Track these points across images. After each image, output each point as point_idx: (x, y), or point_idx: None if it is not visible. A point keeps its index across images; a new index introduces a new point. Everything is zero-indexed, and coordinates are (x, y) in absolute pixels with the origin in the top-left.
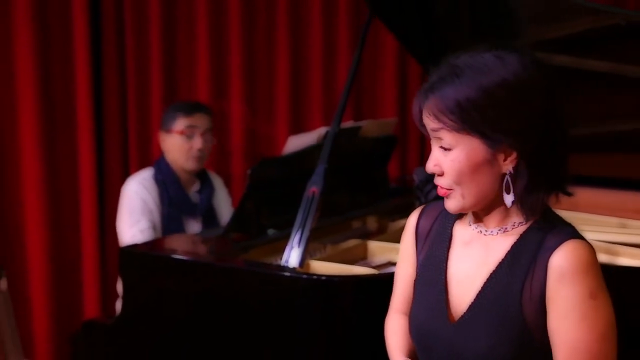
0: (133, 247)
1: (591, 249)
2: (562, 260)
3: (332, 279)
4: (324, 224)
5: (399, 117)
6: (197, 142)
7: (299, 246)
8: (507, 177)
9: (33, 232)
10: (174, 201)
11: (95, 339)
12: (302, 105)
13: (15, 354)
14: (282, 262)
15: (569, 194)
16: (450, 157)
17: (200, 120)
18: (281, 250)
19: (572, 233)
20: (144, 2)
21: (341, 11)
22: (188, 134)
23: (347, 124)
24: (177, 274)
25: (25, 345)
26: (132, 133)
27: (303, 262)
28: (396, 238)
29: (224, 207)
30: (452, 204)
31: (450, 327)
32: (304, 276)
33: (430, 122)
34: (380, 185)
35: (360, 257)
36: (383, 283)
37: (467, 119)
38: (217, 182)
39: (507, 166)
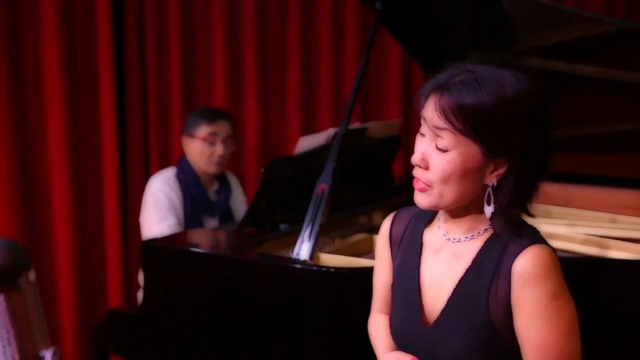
0: (153, 241)
1: (552, 253)
2: (524, 265)
3: (340, 271)
4: (332, 219)
5: (402, 119)
6: (219, 149)
7: (309, 240)
8: (489, 189)
9: (60, 227)
10: (195, 200)
11: (118, 328)
12: (312, 108)
13: (43, 342)
14: (294, 255)
15: (531, 214)
16: (446, 158)
17: (222, 128)
18: (293, 244)
19: (533, 238)
20: (163, 13)
21: (349, 20)
22: (210, 140)
23: (355, 125)
24: (195, 266)
25: (53, 333)
26: (152, 134)
27: (313, 255)
28: None
29: (240, 206)
30: (425, 200)
31: (425, 331)
32: (314, 268)
33: (436, 119)
34: (385, 183)
35: (366, 251)
36: None
37: (476, 127)
38: (234, 183)
39: (492, 179)
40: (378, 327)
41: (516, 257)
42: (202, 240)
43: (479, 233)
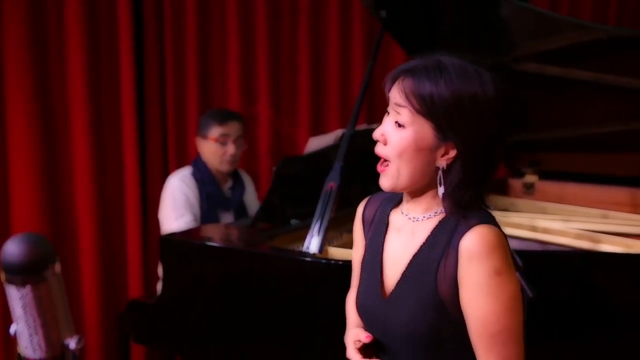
0: (171, 236)
1: (497, 233)
2: (469, 243)
3: (347, 264)
4: (340, 214)
5: None
6: (230, 148)
7: (318, 234)
8: (440, 172)
9: (84, 223)
10: (211, 197)
11: (139, 317)
12: (321, 110)
13: (68, 330)
14: (304, 249)
15: (484, 202)
16: (402, 134)
17: (233, 129)
18: (303, 238)
19: (482, 219)
20: (181, 20)
21: (356, 27)
22: (222, 141)
23: (361, 126)
24: (211, 259)
25: (77, 322)
26: (170, 135)
27: (322, 248)
28: None
29: (252, 201)
30: (386, 182)
31: (383, 302)
32: (323, 261)
33: (397, 97)
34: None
35: None
36: None
37: (431, 109)
38: (247, 180)
39: (442, 162)
40: (350, 304)
41: (463, 235)
42: (217, 234)
43: (436, 213)
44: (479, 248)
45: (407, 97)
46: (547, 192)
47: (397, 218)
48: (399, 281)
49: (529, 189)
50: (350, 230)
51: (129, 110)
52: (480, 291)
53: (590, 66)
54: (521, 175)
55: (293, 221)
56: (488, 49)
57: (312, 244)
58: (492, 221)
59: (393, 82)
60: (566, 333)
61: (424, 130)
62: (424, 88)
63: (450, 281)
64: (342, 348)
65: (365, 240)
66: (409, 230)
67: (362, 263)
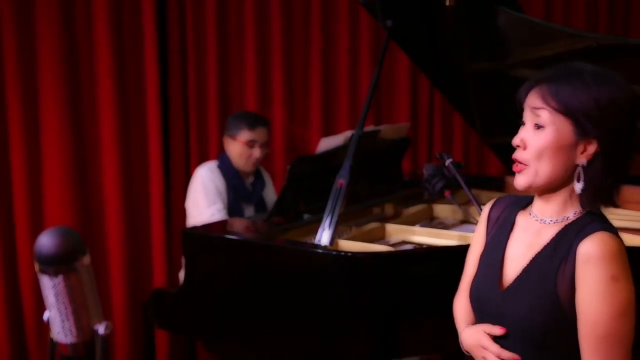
0: (193, 229)
1: (617, 240)
2: (589, 247)
3: (356, 255)
4: (349, 210)
5: (411, 122)
6: (256, 152)
7: (329, 228)
8: (580, 168)
9: (111, 216)
10: (236, 189)
11: (162, 305)
12: (332, 113)
13: (97, 317)
14: (316, 241)
15: (614, 203)
16: (541, 134)
17: (261, 134)
18: (315, 232)
19: (604, 227)
20: (202, 28)
21: (364, 35)
22: (250, 145)
23: (369, 127)
24: (229, 251)
25: (105, 310)
26: (192, 133)
27: (333, 241)
28: (409, 221)
29: (271, 196)
30: (522, 180)
31: (499, 295)
32: (334, 253)
33: (535, 101)
34: (395, 178)
35: (379, 237)
36: (398, 258)
37: (570, 107)
38: (267, 177)
39: (581, 159)
40: (461, 302)
41: (583, 239)
42: (235, 228)
43: (563, 219)
44: (598, 252)
45: (544, 99)
46: None
47: (524, 219)
48: (518, 276)
49: None
50: (358, 224)
51: (154, 111)
52: (595, 294)
53: None
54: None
55: (305, 216)
56: (486, 56)
57: (324, 237)
58: (613, 230)
59: (527, 93)
60: None
61: (564, 128)
62: (561, 88)
63: (568, 282)
64: (350, 333)
65: (487, 237)
66: (534, 230)
67: (481, 257)
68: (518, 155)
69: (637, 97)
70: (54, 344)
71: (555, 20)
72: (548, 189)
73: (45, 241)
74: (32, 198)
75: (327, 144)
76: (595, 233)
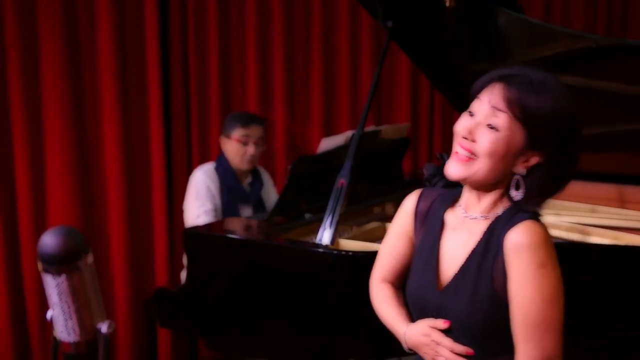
0: (195, 228)
1: (542, 228)
2: (515, 236)
3: (357, 254)
4: (350, 209)
5: (411, 122)
6: (251, 149)
7: (330, 228)
8: (518, 177)
9: (114, 216)
10: (231, 190)
11: (165, 303)
12: (333, 113)
13: (99, 315)
14: (317, 241)
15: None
16: (495, 135)
17: (254, 131)
18: (316, 231)
19: (529, 216)
20: (204, 30)
21: (364, 36)
22: (244, 141)
23: (369, 128)
24: (231, 250)
25: (108, 308)
26: (194, 133)
27: (333, 240)
28: None
29: (270, 196)
30: (460, 170)
31: (437, 294)
32: (335, 252)
33: (498, 101)
34: (396, 178)
35: (379, 237)
36: None
37: (531, 119)
38: (265, 176)
39: (521, 168)
40: (385, 298)
41: (511, 229)
42: (237, 227)
43: (494, 214)
44: (524, 241)
45: (509, 103)
46: None
47: (454, 217)
48: (456, 275)
49: None
50: (359, 224)
51: (156, 111)
52: (524, 282)
53: (580, 72)
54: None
55: (307, 215)
56: (486, 56)
57: (325, 236)
58: (538, 218)
59: (486, 87)
60: None
61: (517, 136)
62: (529, 99)
63: (502, 273)
64: (351, 331)
65: (417, 233)
66: (465, 228)
67: (414, 257)
68: (466, 145)
69: (582, 113)
70: (57, 343)
71: (555, 21)
72: (480, 186)
73: (49, 240)
74: (35, 197)
75: (328, 144)
76: (522, 222)
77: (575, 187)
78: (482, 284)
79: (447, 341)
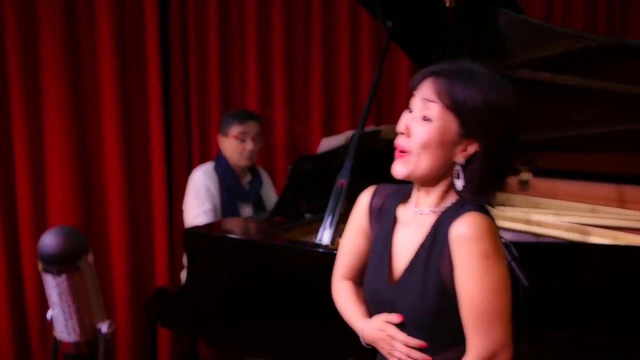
0: (195, 228)
1: (486, 219)
2: (459, 228)
3: None
4: (350, 209)
5: None
6: (249, 145)
7: (330, 227)
8: (458, 166)
9: (114, 216)
10: (231, 189)
11: (164, 303)
12: (333, 113)
13: (100, 315)
14: (317, 240)
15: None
16: (428, 126)
17: (251, 127)
18: (316, 231)
19: (475, 207)
20: (204, 30)
21: (364, 36)
22: (241, 138)
23: (369, 128)
24: (231, 250)
25: (108, 308)
26: (194, 133)
27: (334, 240)
28: None
29: (270, 195)
30: (402, 169)
31: (390, 289)
32: (335, 252)
33: (429, 93)
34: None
35: None
36: None
37: (461, 106)
38: (264, 176)
39: (460, 157)
40: (346, 295)
41: (455, 221)
42: (237, 227)
43: (442, 208)
44: (468, 232)
45: (439, 94)
46: (540, 188)
47: (405, 213)
48: (406, 269)
49: (523, 185)
50: None
51: (156, 111)
52: (470, 273)
53: (579, 72)
54: (516, 172)
55: (307, 215)
56: (486, 56)
57: (325, 236)
58: (484, 210)
59: (421, 82)
60: (557, 318)
61: (450, 125)
62: (457, 87)
63: (449, 265)
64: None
65: (372, 229)
66: (415, 223)
67: (370, 254)
68: (401, 142)
69: (520, 105)
70: (57, 343)
71: (555, 21)
72: (426, 181)
73: (49, 240)
74: (36, 197)
75: (328, 143)
76: (466, 214)
77: (575, 187)
78: (430, 277)
79: (401, 335)
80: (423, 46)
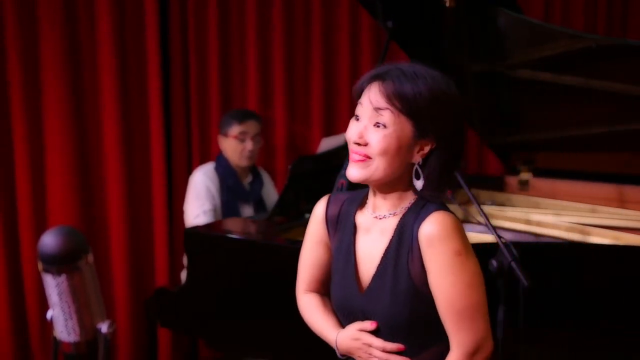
0: (195, 229)
1: (452, 217)
2: (428, 229)
3: None
4: None
5: None
6: (248, 145)
7: None
8: (416, 166)
9: (114, 216)
10: (231, 189)
11: (165, 303)
12: (333, 113)
13: (100, 315)
14: None
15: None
16: (384, 133)
17: (251, 127)
18: None
19: (437, 207)
20: (204, 31)
21: (364, 36)
22: (241, 138)
23: None
24: (231, 250)
25: (108, 308)
26: (194, 134)
27: None
28: None
29: (270, 196)
30: (360, 173)
31: (360, 297)
32: None
33: (379, 100)
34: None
35: None
36: None
37: (413, 108)
38: (265, 176)
39: (417, 157)
40: (312, 307)
41: (422, 222)
42: (237, 227)
43: (401, 210)
44: (437, 232)
45: (389, 99)
46: (540, 188)
47: (364, 219)
48: (374, 275)
49: (523, 185)
50: None
51: (156, 111)
52: (442, 272)
53: (579, 72)
54: (516, 172)
55: (307, 215)
56: (486, 56)
57: None
58: (446, 208)
59: (364, 89)
60: (557, 318)
61: (405, 129)
62: (406, 89)
63: (419, 267)
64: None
65: (332, 239)
66: (377, 228)
67: (333, 264)
68: (360, 150)
69: (462, 98)
70: (57, 343)
71: (555, 21)
72: (383, 184)
73: (49, 240)
74: (36, 197)
75: (328, 143)
76: (431, 214)
77: (575, 187)
78: (400, 280)
79: (378, 342)
80: (423, 46)
